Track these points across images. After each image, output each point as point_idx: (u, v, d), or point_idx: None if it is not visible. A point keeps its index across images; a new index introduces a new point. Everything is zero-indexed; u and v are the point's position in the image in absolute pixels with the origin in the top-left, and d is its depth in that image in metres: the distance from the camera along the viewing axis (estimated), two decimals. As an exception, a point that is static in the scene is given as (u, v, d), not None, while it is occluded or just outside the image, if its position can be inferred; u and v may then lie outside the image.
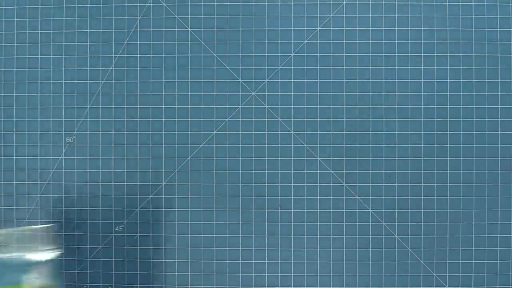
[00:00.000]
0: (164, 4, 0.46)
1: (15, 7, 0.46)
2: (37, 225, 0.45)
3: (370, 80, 0.45)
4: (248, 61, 0.45)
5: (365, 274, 0.45)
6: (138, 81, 0.46)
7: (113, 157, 0.46)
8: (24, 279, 0.36)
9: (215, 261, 0.45)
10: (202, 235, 0.45)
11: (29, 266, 0.41)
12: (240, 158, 0.45)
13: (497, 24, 0.45)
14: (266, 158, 0.45)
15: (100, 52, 0.46)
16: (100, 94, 0.46)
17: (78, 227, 0.45)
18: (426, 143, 0.45)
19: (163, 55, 0.46)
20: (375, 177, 0.45)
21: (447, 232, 0.45)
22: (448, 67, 0.45)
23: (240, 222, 0.45)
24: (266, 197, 0.45)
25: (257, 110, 0.45)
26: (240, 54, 0.45)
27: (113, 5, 0.46)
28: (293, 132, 0.45)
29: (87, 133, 0.46)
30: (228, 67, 0.45)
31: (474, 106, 0.45)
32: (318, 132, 0.45)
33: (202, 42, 0.45)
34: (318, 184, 0.45)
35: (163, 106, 0.45)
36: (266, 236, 0.45)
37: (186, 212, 0.45)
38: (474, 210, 0.45)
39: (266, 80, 0.45)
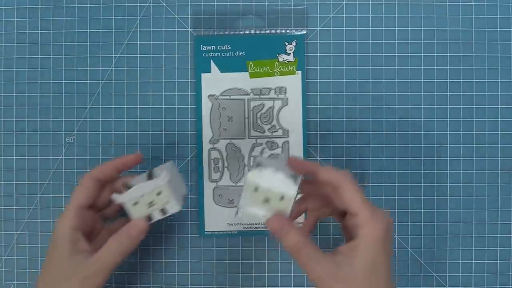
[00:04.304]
0: (164, 4, 0.46)
1: (15, 7, 0.46)
2: (37, 225, 0.46)
3: (370, 80, 0.45)
4: (248, 61, 0.45)
5: (365, 274, 0.45)
6: (138, 81, 0.46)
7: (113, 157, 0.45)
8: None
9: (215, 261, 0.45)
10: (202, 236, 0.45)
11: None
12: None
13: (497, 24, 0.45)
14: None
15: (100, 52, 0.46)
16: (100, 94, 0.46)
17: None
18: (426, 143, 0.45)
19: (163, 55, 0.46)
20: (375, 177, 0.45)
21: (447, 232, 0.45)
22: (448, 67, 0.45)
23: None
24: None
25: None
26: (240, 54, 0.45)
27: (113, 5, 0.46)
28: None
29: (87, 133, 0.46)
30: (228, 67, 0.45)
31: (474, 106, 0.45)
32: (318, 132, 0.45)
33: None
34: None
35: (163, 106, 0.45)
36: (266, 236, 0.45)
37: (186, 212, 0.45)
38: (474, 210, 0.45)
39: (266, 80, 0.45)
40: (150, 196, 0.37)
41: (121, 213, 0.40)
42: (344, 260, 0.33)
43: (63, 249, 0.36)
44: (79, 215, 0.37)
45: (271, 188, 0.35)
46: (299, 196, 0.38)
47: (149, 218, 0.37)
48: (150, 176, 0.37)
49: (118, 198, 0.37)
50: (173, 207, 0.37)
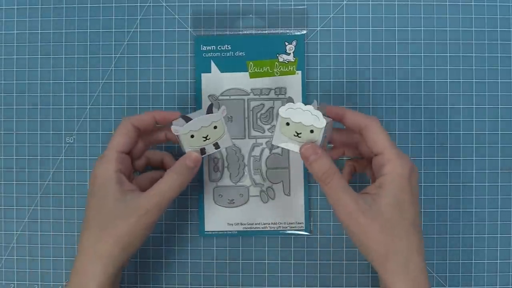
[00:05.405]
0: (164, 4, 0.46)
1: (15, 7, 0.46)
2: (37, 225, 0.46)
3: (370, 80, 0.45)
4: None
5: (365, 274, 0.45)
6: (138, 81, 0.46)
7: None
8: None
9: (215, 261, 0.45)
10: (202, 236, 0.45)
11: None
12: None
13: (497, 24, 0.45)
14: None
15: (100, 52, 0.46)
16: (100, 94, 0.46)
17: (78, 227, 0.45)
18: (426, 143, 0.45)
19: (163, 55, 0.46)
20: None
21: (447, 232, 0.45)
22: (448, 67, 0.45)
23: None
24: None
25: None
26: (240, 54, 0.45)
27: (113, 5, 0.46)
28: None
29: (87, 133, 0.46)
30: (228, 67, 0.45)
31: (474, 106, 0.45)
32: (318, 132, 0.45)
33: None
34: (319, 184, 0.45)
35: (163, 106, 0.45)
36: (266, 236, 0.45)
37: (186, 212, 0.45)
38: (474, 210, 0.45)
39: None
40: (206, 130, 0.38)
41: (148, 168, 0.42)
42: (371, 197, 0.35)
43: (112, 190, 0.37)
44: (119, 159, 0.38)
45: (302, 121, 0.36)
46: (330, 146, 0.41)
47: (202, 151, 0.39)
48: (209, 111, 0.38)
49: (179, 130, 0.38)
50: (226, 142, 0.39)
